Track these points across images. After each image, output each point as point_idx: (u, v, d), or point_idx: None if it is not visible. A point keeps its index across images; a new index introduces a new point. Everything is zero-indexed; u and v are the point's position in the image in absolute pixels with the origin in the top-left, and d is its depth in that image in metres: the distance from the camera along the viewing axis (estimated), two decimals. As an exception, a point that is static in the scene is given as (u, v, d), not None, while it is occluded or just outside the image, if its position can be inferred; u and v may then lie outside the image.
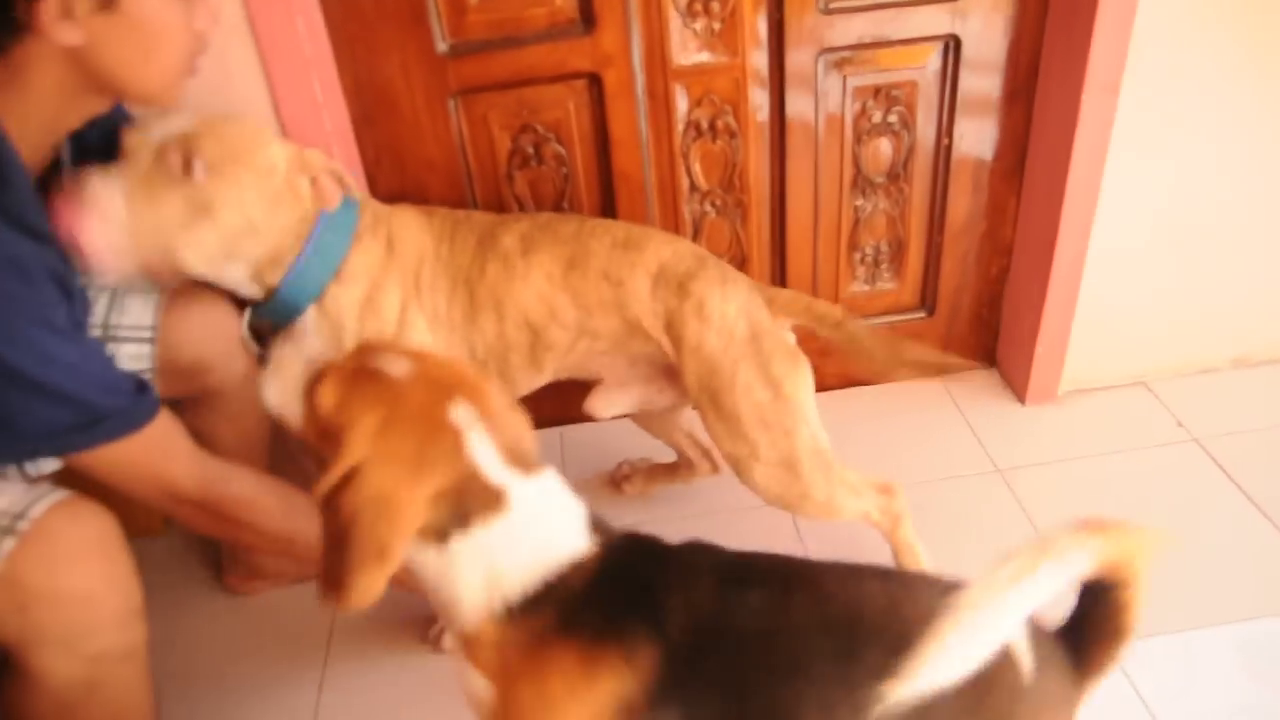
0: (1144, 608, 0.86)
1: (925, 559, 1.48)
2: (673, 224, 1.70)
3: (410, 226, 1.32)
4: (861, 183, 1.73)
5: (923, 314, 1.90)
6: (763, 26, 1.54)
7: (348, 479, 0.81)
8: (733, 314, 1.31)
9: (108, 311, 1.23)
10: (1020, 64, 1.63)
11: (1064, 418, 1.87)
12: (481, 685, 0.88)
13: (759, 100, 1.61)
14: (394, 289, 1.28)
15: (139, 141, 1.11)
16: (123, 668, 1.06)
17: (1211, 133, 1.65)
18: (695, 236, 1.73)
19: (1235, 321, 1.89)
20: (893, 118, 1.66)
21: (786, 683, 0.84)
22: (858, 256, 1.82)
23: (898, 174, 1.73)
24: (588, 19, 1.49)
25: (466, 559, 0.86)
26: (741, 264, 1.77)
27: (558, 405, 1.88)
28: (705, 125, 1.61)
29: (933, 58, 1.61)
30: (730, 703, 0.85)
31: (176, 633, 1.55)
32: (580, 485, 1.70)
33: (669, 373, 1.41)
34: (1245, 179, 1.71)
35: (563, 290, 1.31)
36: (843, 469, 1.39)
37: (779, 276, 1.80)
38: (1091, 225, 1.69)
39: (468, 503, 0.85)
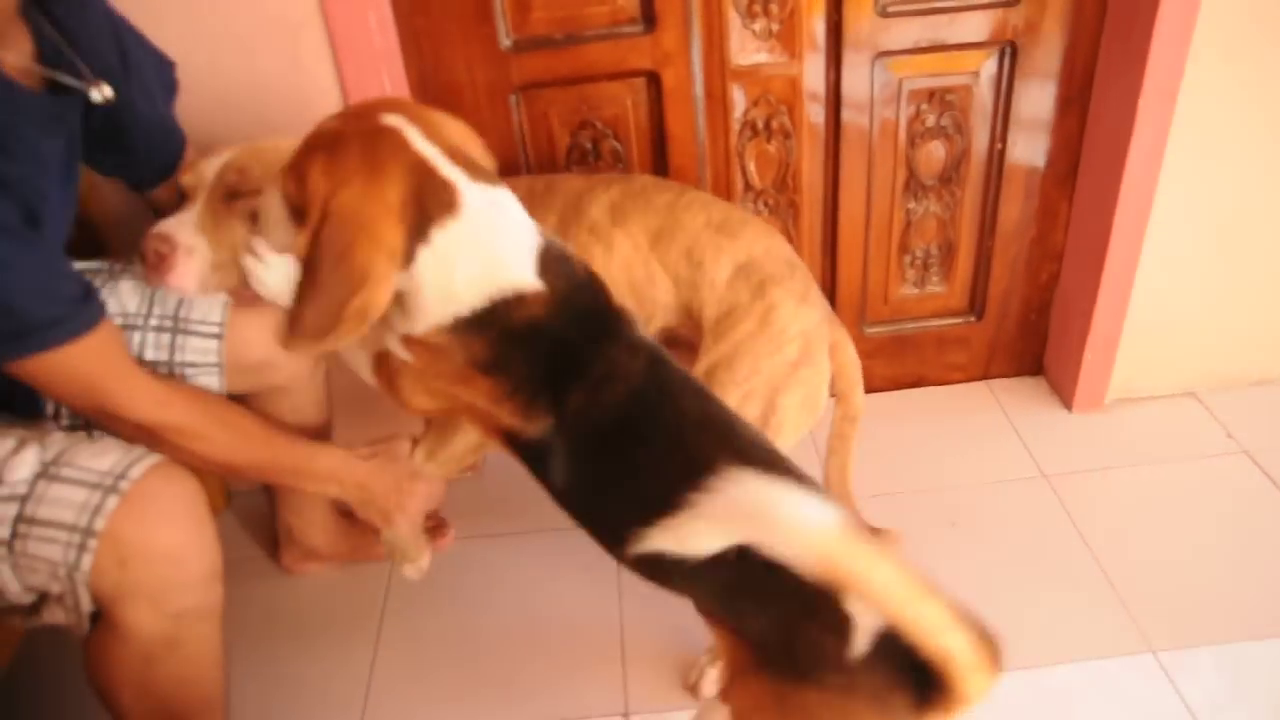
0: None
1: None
2: (725, 222, 1.72)
3: None
4: (914, 186, 1.74)
5: (971, 318, 1.91)
6: (820, 28, 1.56)
7: (319, 225, 0.86)
8: (794, 332, 1.27)
9: (178, 304, 1.27)
10: (1076, 70, 1.63)
11: (1111, 426, 1.87)
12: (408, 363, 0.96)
13: (814, 102, 1.63)
14: None
15: (195, 179, 1.16)
16: (202, 626, 1.10)
17: (1268, 142, 1.64)
18: (747, 235, 1.75)
19: (1289, 334, 1.88)
20: (946, 121, 1.67)
21: (625, 477, 0.91)
22: (908, 259, 1.83)
23: (950, 177, 1.74)
24: (648, 18, 1.52)
25: (429, 270, 0.89)
26: (792, 263, 1.79)
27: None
28: (761, 125, 1.64)
29: (988, 63, 1.63)
30: (584, 473, 0.92)
31: (231, 610, 1.59)
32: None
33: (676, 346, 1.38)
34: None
35: (644, 261, 1.30)
36: None
37: (829, 277, 1.82)
38: (1144, 232, 1.69)
39: (426, 204, 0.88)
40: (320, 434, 1.50)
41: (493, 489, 1.82)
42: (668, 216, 1.30)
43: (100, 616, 1.04)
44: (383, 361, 1.02)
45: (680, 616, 1.48)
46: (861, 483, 1.71)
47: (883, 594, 0.71)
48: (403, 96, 0.97)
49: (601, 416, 0.90)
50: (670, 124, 1.61)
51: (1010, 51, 1.61)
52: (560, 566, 1.64)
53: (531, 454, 0.94)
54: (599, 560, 1.62)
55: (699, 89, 1.58)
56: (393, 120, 0.90)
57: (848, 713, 0.82)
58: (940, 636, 0.71)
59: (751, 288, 1.27)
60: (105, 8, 1.17)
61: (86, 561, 0.99)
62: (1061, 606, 1.50)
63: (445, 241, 0.89)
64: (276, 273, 1.03)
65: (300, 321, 0.89)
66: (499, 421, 0.93)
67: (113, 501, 0.99)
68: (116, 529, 0.98)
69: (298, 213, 0.90)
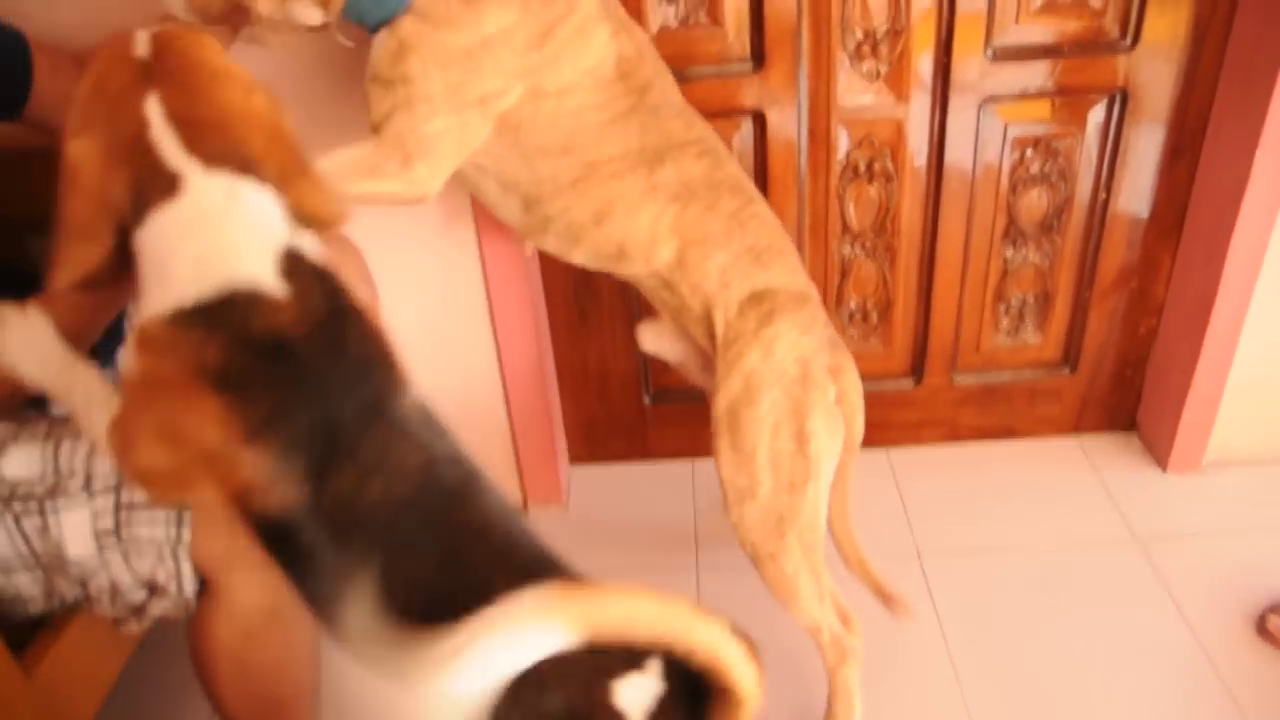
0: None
1: (859, 712, 1.35)
2: (822, 262, 1.71)
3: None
4: (1013, 233, 1.72)
5: (1065, 371, 1.87)
6: (928, 71, 1.55)
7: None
8: (794, 355, 1.25)
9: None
10: (1189, 119, 1.60)
11: (1208, 489, 1.80)
12: (129, 366, 0.82)
13: (918, 145, 1.62)
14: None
15: None
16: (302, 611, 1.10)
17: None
18: (842, 277, 1.73)
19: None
20: (1050, 169, 1.65)
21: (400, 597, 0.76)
22: (1002, 307, 1.80)
23: (1050, 226, 1.71)
24: (758, 57, 1.52)
25: (146, 246, 0.81)
26: (886, 308, 1.77)
27: (693, 438, 1.90)
28: (863, 167, 1.63)
29: (1097, 110, 1.60)
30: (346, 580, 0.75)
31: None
32: (716, 513, 1.74)
33: (707, 363, 1.37)
34: None
35: (673, 247, 1.26)
36: (822, 566, 1.31)
37: (922, 323, 1.79)
38: (1254, 287, 1.64)
39: (144, 183, 0.81)
40: None
41: (579, 526, 1.80)
42: (723, 224, 1.26)
43: (204, 595, 1.05)
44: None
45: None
46: (943, 537, 1.68)
47: (655, 628, 0.69)
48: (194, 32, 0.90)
49: (370, 517, 0.76)
50: (772, 163, 1.60)
51: (1120, 99, 1.59)
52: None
53: (274, 533, 0.79)
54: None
55: (803, 129, 1.58)
56: (150, 104, 0.82)
57: None
58: (721, 650, 0.71)
59: (760, 316, 1.25)
60: None
61: (186, 533, 1.00)
62: (1153, 678, 1.44)
63: (160, 220, 0.80)
64: None
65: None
66: (235, 475, 0.76)
67: None
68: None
69: None
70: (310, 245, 0.86)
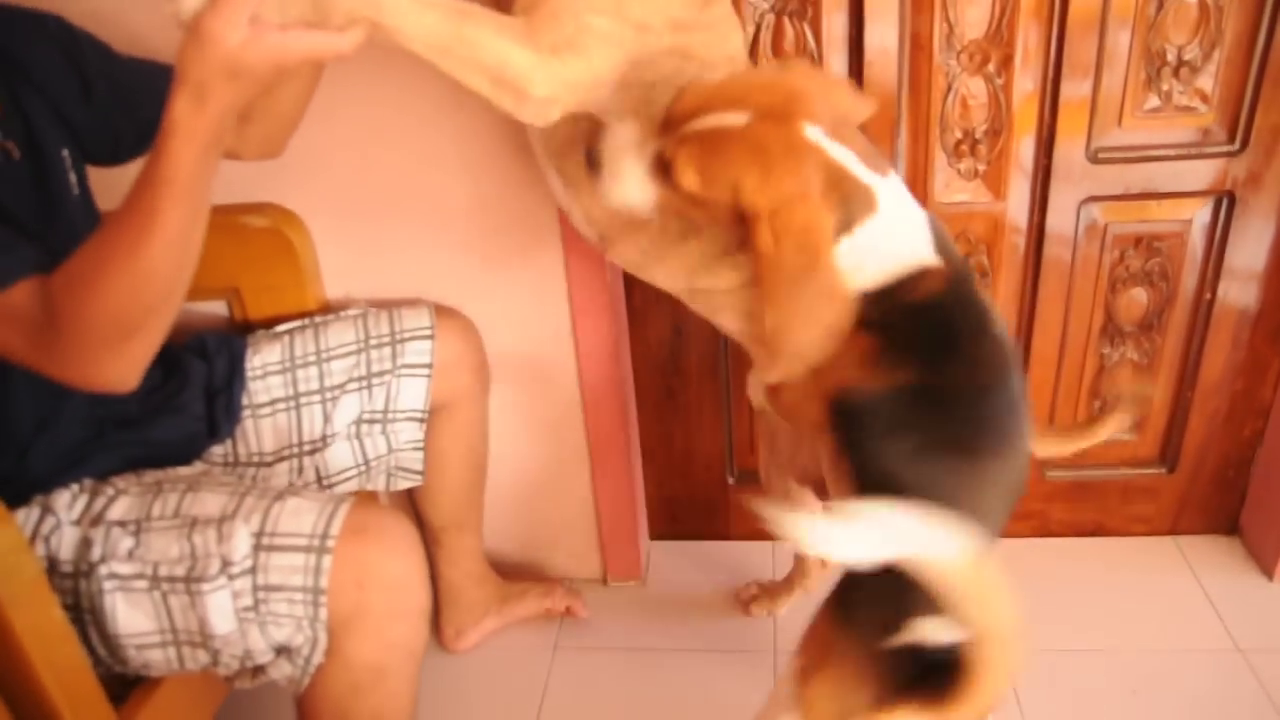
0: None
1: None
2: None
3: None
4: (1111, 330, 1.69)
5: (1162, 470, 1.81)
6: (1028, 170, 1.55)
7: (758, 235, 0.94)
8: None
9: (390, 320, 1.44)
10: (1298, 224, 1.56)
11: (1321, 596, 1.73)
12: None
13: (1015, 241, 1.61)
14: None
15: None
16: (408, 664, 1.13)
17: None
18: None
19: None
20: (1152, 267, 1.62)
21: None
22: (1098, 404, 1.76)
23: (1150, 324, 1.68)
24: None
25: (845, 258, 0.98)
26: (976, 399, 1.75)
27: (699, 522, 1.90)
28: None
29: (1202, 211, 1.58)
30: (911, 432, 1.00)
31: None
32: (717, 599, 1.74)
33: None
34: None
35: None
36: None
37: (1014, 415, 1.77)
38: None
39: (851, 208, 0.97)
40: (482, 458, 1.61)
41: (656, 601, 1.81)
42: None
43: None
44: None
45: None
46: (1032, 634, 1.63)
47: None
48: (797, 73, 1.02)
49: (958, 394, 1.00)
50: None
51: (1228, 201, 1.56)
52: (717, 694, 1.60)
53: (857, 409, 1.02)
54: (757, 692, 1.62)
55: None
56: (812, 134, 0.95)
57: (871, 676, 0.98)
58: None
59: None
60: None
61: (323, 612, 1.04)
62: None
63: (865, 235, 0.99)
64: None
65: (787, 344, 0.98)
66: (852, 376, 1.01)
67: (330, 545, 1.05)
68: (357, 554, 1.05)
69: (688, 201, 1.00)
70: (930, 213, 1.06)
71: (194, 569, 1.04)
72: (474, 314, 1.56)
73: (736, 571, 1.85)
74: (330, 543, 1.05)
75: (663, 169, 1.00)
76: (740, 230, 0.99)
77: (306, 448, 1.38)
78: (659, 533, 1.94)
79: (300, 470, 1.38)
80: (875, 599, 1.00)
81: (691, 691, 1.61)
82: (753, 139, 0.95)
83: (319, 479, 1.39)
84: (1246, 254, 1.60)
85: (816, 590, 1.70)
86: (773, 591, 1.75)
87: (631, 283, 1.69)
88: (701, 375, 1.77)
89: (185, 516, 1.08)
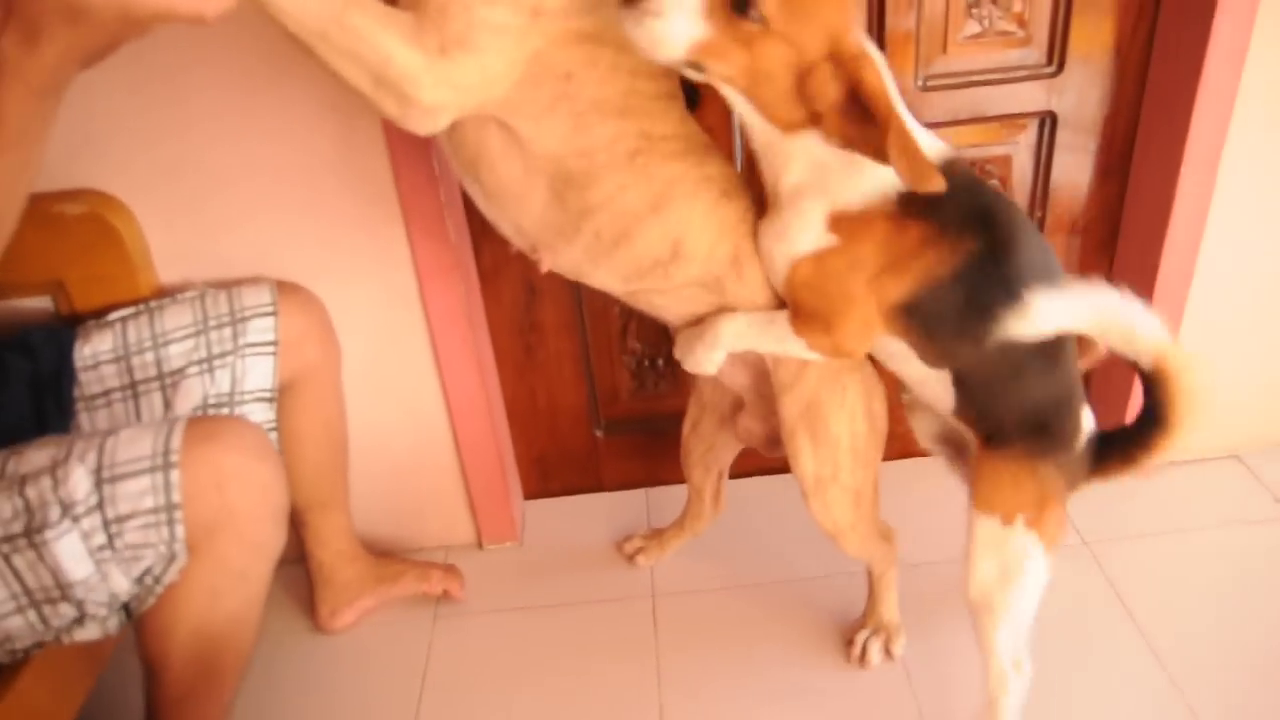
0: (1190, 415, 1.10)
1: (897, 606, 1.56)
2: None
3: None
4: (953, 253, 1.74)
5: (1010, 382, 1.90)
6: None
7: (868, 74, 0.99)
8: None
9: (229, 299, 1.37)
10: (1116, 140, 1.63)
11: (1154, 490, 1.82)
12: (827, 239, 1.11)
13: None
14: None
15: None
16: (266, 566, 1.14)
17: (1312, 209, 1.64)
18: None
19: (1333, 396, 1.86)
20: (986, 190, 1.68)
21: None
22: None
23: (989, 244, 1.74)
24: (690, 99, 1.53)
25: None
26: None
27: (645, 468, 1.92)
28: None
29: (1028, 133, 1.63)
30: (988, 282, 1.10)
31: (267, 676, 1.61)
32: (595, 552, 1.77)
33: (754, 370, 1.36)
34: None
35: (730, 245, 1.18)
36: (878, 508, 1.43)
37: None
38: (1186, 298, 1.68)
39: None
40: (342, 435, 1.57)
41: (534, 560, 1.81)
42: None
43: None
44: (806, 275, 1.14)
45: (722, 704, 1.49)
46: (905, 553, 1.71)
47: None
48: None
49: (1013, 237, 1.11)
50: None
51: (1050, 121, 1.62)
52: (600, 644, 1.62)
53: (941, 291, 1.11)
54: (639, 642, 1.64)
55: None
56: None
57: (1068, 479, 1.22)
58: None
59: None
60: None
61: (176, 495, 1.02)
62: (1105, 681, 1.47)
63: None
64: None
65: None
66: (917, 265, 1.10)
67: (174, 459, 1.03)
68: (205, 457, 1.03)
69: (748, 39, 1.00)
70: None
71: (33, 521, 0.99)
72: (317, 289, 1.51)
73: (613, 523, 1.87)
74: (174, 456, 1.02)
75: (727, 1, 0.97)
76: (790, 74, 1.01)
77: None
78: (533, 491, 1.94)
79: None
80: (1020, 425, 1.18)
81: (575, 645, 1.62)
82: None
83: None
84: (1071, 170, 1.67)
85: (704, 534, 1.74)
86: (659, 539, 1.77)
87: (480, 243, 1.65)
88: (559, 331, 1.75)
89: (12, 476, 1.03)
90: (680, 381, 1.82)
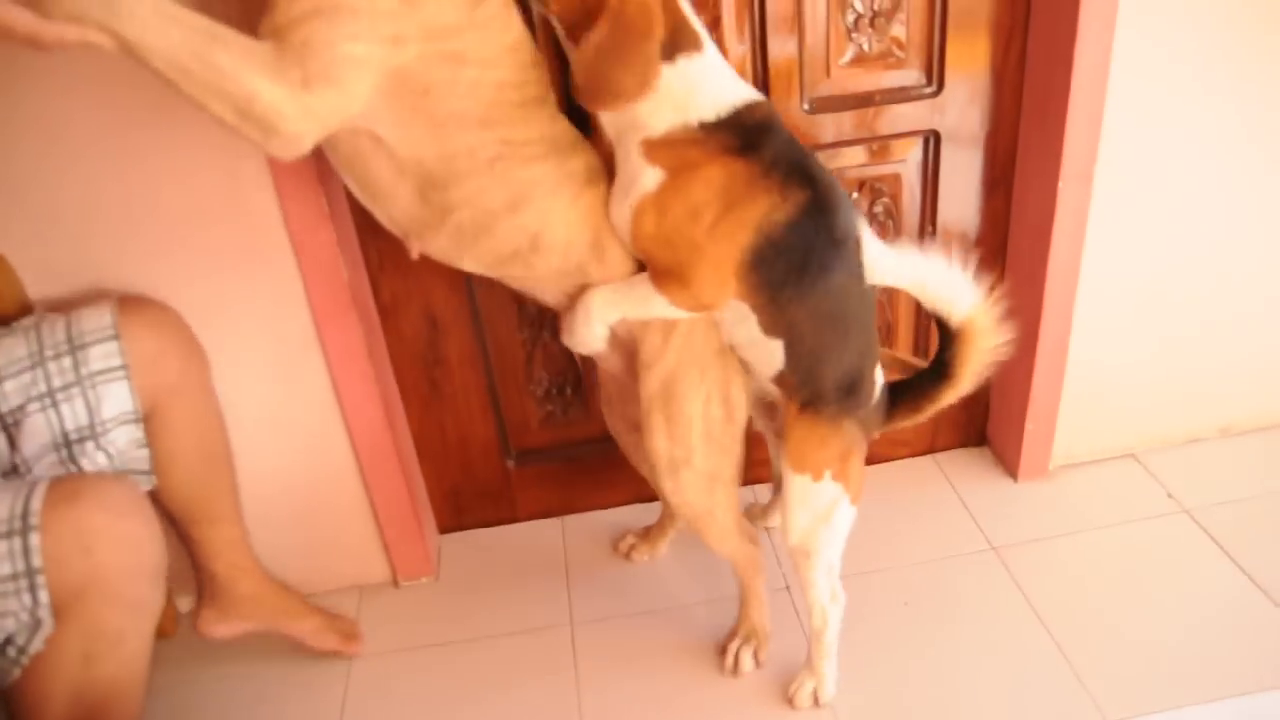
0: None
1: (768, 613, 1.60)
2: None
3: None
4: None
5: (914, 394, 1.94)
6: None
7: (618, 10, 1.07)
8: (713, 327, 1.32)
9: (65, 325, 1.30)
10: (998, 154, 1.69)
11: (1056, 493, 1.90)
12: (653, 175, 1.16)
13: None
14: None
15: None
16: (145, 624, 1.11)
17: (1186, 211, 1.71)
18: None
19: (1219, 391, 1.94)
20: (878, 208, 1.72)
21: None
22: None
23: (884, 260, 1.78)
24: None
25: (675, 79, 1.13)
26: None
27: (559, 496, 1.92)
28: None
29: (914, 151, 1.68)
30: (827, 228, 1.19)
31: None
32: (588, 569, 1.76)
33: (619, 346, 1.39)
34: (1220, 253, 1.77)
35: (588, 235, 1.24)
36: (738, 503, 1.48)
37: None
38: (1074, 304, 1.74)
39: (679, 37, 1.13)
40: (224, 448, 1.51)
41: (451, 595, 1.80)
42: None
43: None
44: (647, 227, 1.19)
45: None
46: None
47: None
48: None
49: (838, 196, 1.20)
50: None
51: (935, 139, 1.67)
52: (520, 676, 1.61)
53: (781, 243, 1.17)
54: (559, 671, 1.63)
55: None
56: None
57: (865, 431, 1.35)
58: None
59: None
60: None
61: (36, 559, 0.99)
62: (1016, 680, 1.51)
63: (689, 67, 1.14)
64: None
65: (602, 78, 1.10)
66: (754, 206, 1.15)
67: (34, 521, 1.00)
68: (69, 519, 1.00)
69: None
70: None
71: None
72: (210, 331, 1.47)
73: (528, 553, 1.86)
74: (34, 519, 0.99)
75: None
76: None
77: None
78: (447, 525, 1.92)
79: None
80: (835, 388, 1.28)
81: (495, 678, 1.61)
82: None
83: None
84: (958, 185, 1.72)
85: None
86: (650, 536, 1.80)
87: (379, 279, 1.64)
88: (464, 363, 1.75)
89: None
90: (590, 409, 1.83)
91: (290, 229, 1.45)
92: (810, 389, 1.29)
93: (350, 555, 1.78)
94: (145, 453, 1.36)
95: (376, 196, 1.19)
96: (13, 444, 1.26)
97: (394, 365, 1.73)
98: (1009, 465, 1.95)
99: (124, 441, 1.33)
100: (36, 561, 0.98)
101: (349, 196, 1.54)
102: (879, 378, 1.34)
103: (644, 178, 1.17)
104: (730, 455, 1.40)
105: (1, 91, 1.29)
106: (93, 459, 1.30)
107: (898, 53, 1.58)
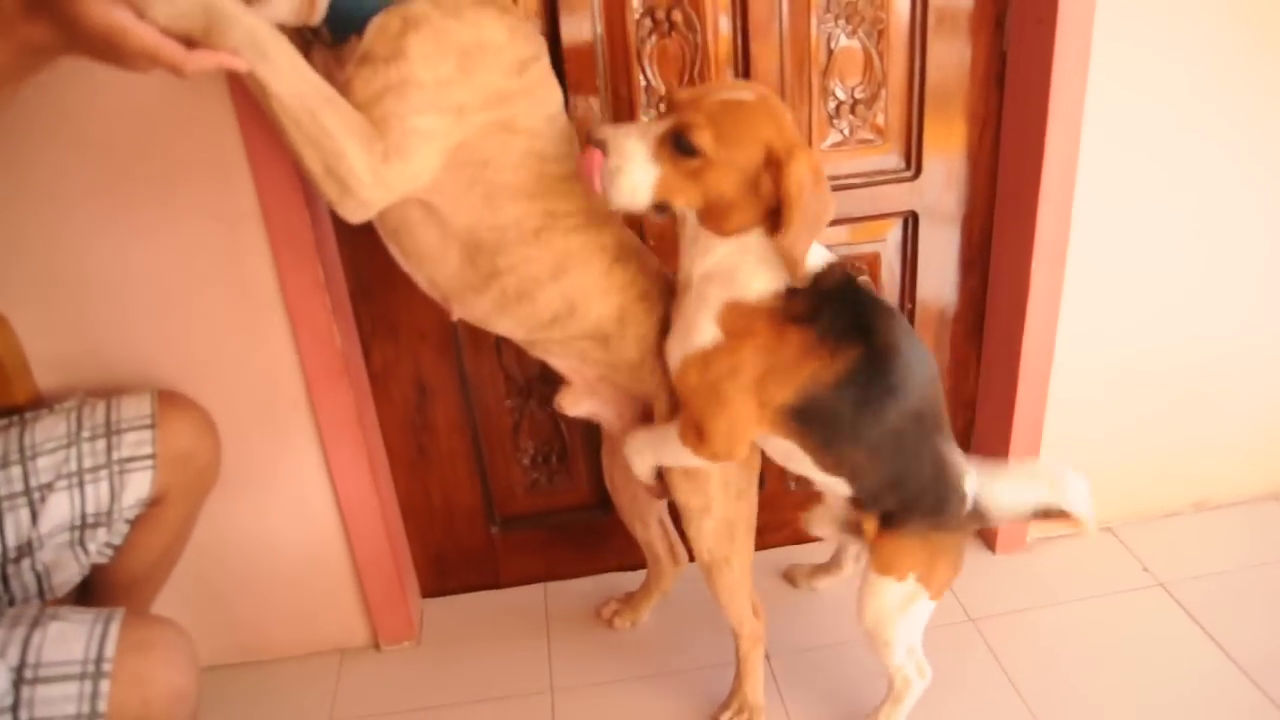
0: None
1: (761, 687, 1.59)
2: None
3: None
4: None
5: (894, 465, 1.97)
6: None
7: (792, 171, 1.10)
8: None
9: (106, 409, 1.32)
10: (974, 235, 1.75)
11: (1034, 565, 1.92)
12: (711, 333, 1.20)
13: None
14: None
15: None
16: None
17: (1157, 290, 1.77)
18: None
19: (1193, 466, 1.98)
20: (858, 284, 1.77)
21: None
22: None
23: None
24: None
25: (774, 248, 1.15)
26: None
27: (543, 562, 1.93)
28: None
29: (893, 231, 1.74)
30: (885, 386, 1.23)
31: None
32: (570, 635, 1.77)
33: (634, 406, 1.45)
34: (1192, 330, 1.83)
35: (617, 304, 1.31)
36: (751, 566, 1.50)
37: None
38: (1049, 380, 1.79)
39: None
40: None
41: (433, 660, 1.79)
42: (653, 283, 1.35)
43: None
44: (695, 369, 1.23)
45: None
46: (793, 637, 1.74)
47: None
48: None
49: (893, 344, 1.21)
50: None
51: (913, 219, 1.72)
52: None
53: (827, 399, 1.20)
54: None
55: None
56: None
57: (960, 538, 1.41)
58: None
59: None
60: None
61: (103, 705, 0.99)
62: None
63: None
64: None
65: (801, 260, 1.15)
66: (800, 371, 1.19)
67: (106, 669, 1.00)
68: (135, 670, 1.01)
69: (690, 171, 1.13)
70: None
71: None
72: (203, 394, 1.47)
73: (511, 619, 1.87)
74: (107, 666, 1.00)
75: (668, 145, 1.11)
76: (740, 188, 1.13)
77: (11, 554, 1.26)
78: (430, 590, 1.93)
79: (4, 581, 1.27)
80: (916, 508, 1.33)
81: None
82: (765, 105, 1.13)
83: (40, 586, 1.29)
84: (936, 265, 1.78)
85: (671, 591, 1.79)
86: (633, 602, 1.81)
87: (370, 344, 1.68)
88: (451, 430, 1.78)
89: None
90: (575, 477, 1.85)
91: (286, 296, 1.48)
92: (887, 510, 1.33)
93: (332, 618, 1.78)
94: (125, 528, 1.36)
95: (422, 261, 1.26)
96: (34, 518, 1.27)
97: (382, 430, 1.75)
98: (987, 538, 1.97)
99: (124, 524, 1.34)
100: (102, 707, 0.99)
101: (347, 259, 1.60)
102: (969, 487, 1.35)
103: (702, 333, 1.21)
104: (747, 500, 1.44)
105: (10, 160, 1.33)
106: (99, 544, 1.32)
107: (877, 139, 1.65)
